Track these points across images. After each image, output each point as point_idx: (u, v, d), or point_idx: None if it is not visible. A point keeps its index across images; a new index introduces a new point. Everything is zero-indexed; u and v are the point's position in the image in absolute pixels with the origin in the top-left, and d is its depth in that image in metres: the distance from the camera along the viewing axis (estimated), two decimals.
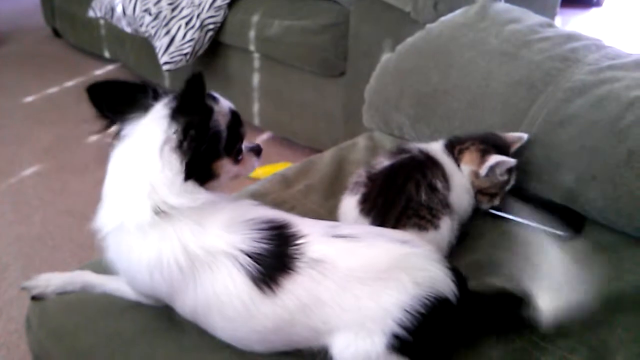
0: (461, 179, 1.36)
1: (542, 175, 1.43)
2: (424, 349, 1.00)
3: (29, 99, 3.55)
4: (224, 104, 1.15)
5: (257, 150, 1.25)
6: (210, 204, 1.04)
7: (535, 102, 1.45)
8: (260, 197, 1.51)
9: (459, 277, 1.05)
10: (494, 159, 1.32)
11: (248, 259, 1.00)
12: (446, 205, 1.29)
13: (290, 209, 1.47)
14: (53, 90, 3.62)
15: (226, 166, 1.11)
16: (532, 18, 1.65)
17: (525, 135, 1.41)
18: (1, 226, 2.50)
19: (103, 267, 1.16)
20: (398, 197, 1.26)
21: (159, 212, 1.00)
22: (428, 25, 1.75)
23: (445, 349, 1.05)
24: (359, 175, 1.35)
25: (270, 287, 0.99)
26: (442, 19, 1.74)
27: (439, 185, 1.29)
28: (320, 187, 1.52)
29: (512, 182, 1.39)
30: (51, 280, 1.26)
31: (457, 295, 1.02)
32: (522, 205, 1.43)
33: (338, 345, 0.99)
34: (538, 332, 1.11)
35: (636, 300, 1.19)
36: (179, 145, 1.01)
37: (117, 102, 1.07)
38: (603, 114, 1.36)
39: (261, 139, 3.12)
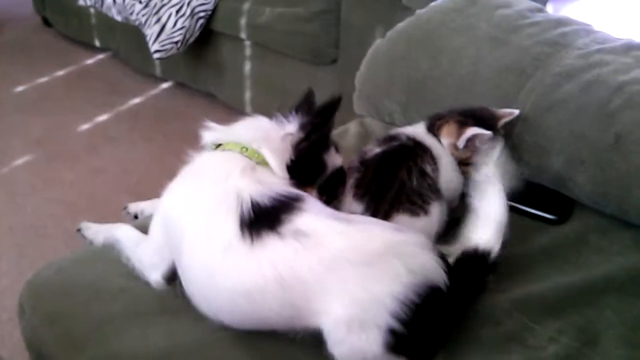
0: (448, 158, 1.36)
1: (531, 160, 1.44)
2: (420, 343, 0.99)
3: (20, 88, 3.53)
4: (338, 158, 1.29)
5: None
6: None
7: (524, 87, 1.45)
8: None
9: (448, 266, 1.05)
10: (471, 131, 1.32)
11: (249, 205, 1.03)
12: (436, 190, 1.29)
13: None
14: (43, 79, 3.59)
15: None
16: (521, 3, 1.65)
17: (516, 111, 1.41)
18: None
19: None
20: (391, 183, 1.27)
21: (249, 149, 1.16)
22: (418, 11, 1.74)
23: (439, 341, 1.04)
24: (352, 161, 1.36)
25: (250, 237, 1.00)
26: (432, 4, 1.74)
27: (428, 168, 1.30)
28: None
29: (498, 150, 1.36)
30: (100, 230, 1.39)
31: (447, 284, 1.01)
32: (510, 188, 1.44)
33: (332, 338, 0.97)
34: (527, 313, 1.13)
35: (624, 282, 1.20)
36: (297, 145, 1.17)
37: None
38: (592, 99, 1.37)
39: None
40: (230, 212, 1.03)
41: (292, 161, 1.16)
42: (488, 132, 1.32)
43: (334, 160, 1.24)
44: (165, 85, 3.52)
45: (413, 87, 1.65)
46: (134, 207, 1.52)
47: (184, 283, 1.11)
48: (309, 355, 1.03)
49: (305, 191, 1.15)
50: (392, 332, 0.94)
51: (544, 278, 1.21)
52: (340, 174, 1.26)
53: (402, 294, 0.95)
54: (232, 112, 3.08)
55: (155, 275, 1.19)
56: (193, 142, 1.25)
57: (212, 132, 1.23)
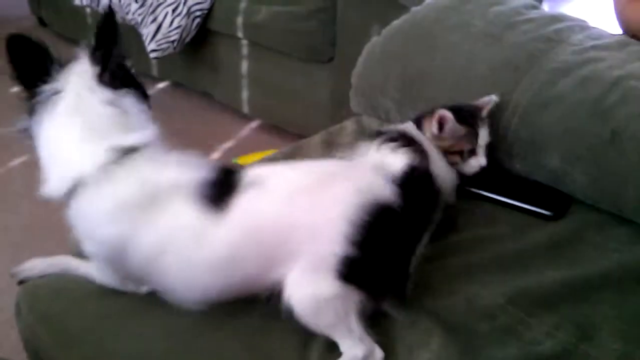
0: (436, 151, 1.38)
1: (527, 157, 1.44)
2: (376, 269, 1.00)
3: (15, 89, 3.49)
4: None
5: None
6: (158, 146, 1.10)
7: (520, 83, 1.45)
8: None
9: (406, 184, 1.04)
10: (438, 113, 1.34)
11: (199, 186, 1.02)
12: None
13: None
14: None
15: None
16: (516, 0, 1.66)
17: (493, 97, 1.41)
18: None
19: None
20: None
21: (116, 155, 1.03)
22: (413, 9, 1.74)
23: (398, 269, 1.03)
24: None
25: (218, 208, 0.99)
26: (427, 1, 1.74)
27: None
28: None
29: (484, 135, 1.38)
30: (36, 265, 1.29)
31: (400, 203, 1.00)
32: (507, 185, 1.44)
33: (290, 278, 0.98)
34: (523, 307, 1.13)
35: (621, 277, 1.20)
36: (101, 74, 1.07)
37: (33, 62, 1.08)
38: (587, 95, 1.36)
39: (250, 127, 3.12)
40: (185, 203, 1.01)
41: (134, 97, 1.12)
42: (449, 115, 1.33)
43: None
44: (161, 84, 3.51)
45: (408, 84, 1.65)
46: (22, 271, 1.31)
47: (154, 278, 1.09)
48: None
49: None
50: (347, 258, 0.95)
51: (539, 273, 1.21)
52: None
53: (355, 214, 0.96)
54: (229, 111, 3.08)
55: (132, 288, 1.17)
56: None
57: (55, 181, 1.09)
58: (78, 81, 1.07)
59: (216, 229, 1.00)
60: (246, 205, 0.99)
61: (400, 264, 1.03)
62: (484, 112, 1.40)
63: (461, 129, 1.35)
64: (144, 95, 1.16)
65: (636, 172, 1.28)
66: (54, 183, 1.07)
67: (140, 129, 1.10)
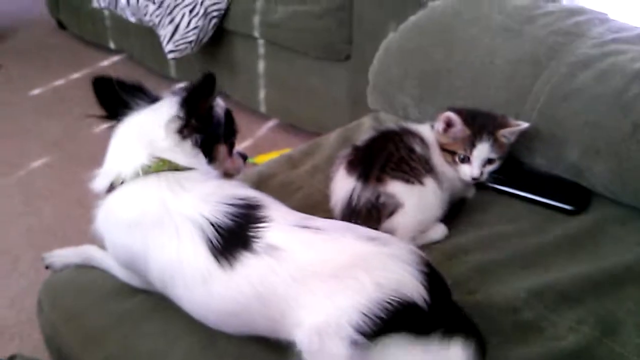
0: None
1: (547, 151, 1.43)
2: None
3: (36, 91, 3.55)
4: (222, 102, 1.27)
5: (244, 156, 1.37)
6: (200, 174, 1.13)
7: (539, 77, 1.44)
8: (267, 178, 1.53)
9: (435, 281, 0.97)
10: (446, 114, 1.35)
11: (212, 229, 1.01)
12: (428, 167, 1.34)
13: (297, 189, 1.48)
14: (59, 82, 3.62)
15: (222, 153, 1.24)
16: None
17: (525, 124, 1.37)
18: (12, 218, 2.52)
19: None
20: (380, 153, 1.33)
21: (152, 165, 1.10)
22: (431, 3, 1.74)
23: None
24: (345, 150, 1.41)
25: (227, 262, 0.98)
26: None
27: (417, 147, 1.36)
28: (326, 167, 1.50)
29: (482, 149, 1.35)
30: (62, 253, 1.35)
31: (427, 300, 0.93)
32: (528, 180, 1.43)
33: (304, 350, 0.94)
34: (545, 303, 1.12)
35: None
36: (181, 130, 1.14)
37: (118, 99, 1.18)
38: (607, 88, 1.35)
39: (267, 126, 3.12)
40: (196, 242, 1.01)
41: (196, 141, 1.15)
42: (457, 118, 1.33)
43: (220, 106, 1.24)
44: (180, 85, 3.53)
45: (426, 79, 1.65)
46: (49, 256, 1.37)
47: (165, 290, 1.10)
48: None
49: (217, 150, 1.21)
50: (357, 345, 0.90)
51: (562, 268, 1.20)
52: (229, 114, 1.26)
53: (366, 307, 0.90)
54: (246, 111, 3.09)
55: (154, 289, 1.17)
56: None
57: (101, 177, 1.17)
58: (156, 117, 1.16)
59: (224, 281, 0.99)
60: (259, 270, 0.97)
61: None
62: (503, 131, 1.36)
63: (463, 132, 1.35)
64: (213, 139, 1.21)
65: None
66: (100, 178, 1.16)
67: (189, 156, 1.14)
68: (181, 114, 1.14)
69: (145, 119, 1.16)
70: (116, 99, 1.17)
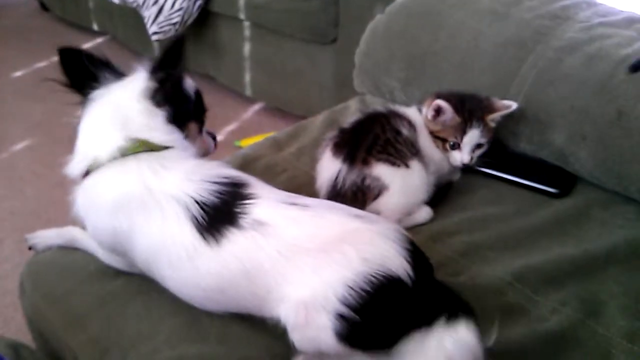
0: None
1: (533, 136, 1.43)
2: (375, 333, 0.94)
3: (18, 73, 3.52)
4: (190, 80, 1.23)
5: (213, 136, 1.32)
6: (178, 153, 1.10)
7: (526, 61, 1.44)
8: (252, 160, 1.52)
9: (419, 259, 0.98)
10: (436, 102, 1.34)
11: (197, 206, 1.00)
12: (414, 149, 1.34)
13: (282, 172, 1.48)
14: (41, 64, 3.57)
15: (193, 130, 1.20)
16: None
17: (514, 105, 1.38)
18: None
19: None
20: (366, 135, 1.33)
21: (129, 146, 1.06)
22: None
23: (395, 332, 0.95)
24: (331, 133, 1.40)
25: (213, 238, 0.98)
26: None
27: (404, 130, 1.35)
28: (312, 150, 1.50)
29: (473, 136, 1.36)
30: (45, 234, 1.33)
31: (412, 277, 0.94)
32: (513, 163, 1.44)
33: (289, 324, 0.95)
34: (529, 285, 1.13)
35: (627, 254, 1.20)
36: (154, 96, 1.11)
37: (86, 71, 1.14)
38: (593, 73, 1.36)
39: (253, 109, 3.10)
40: (181, 221, 1.00)
41: (170, 115, 1.12)
42: (447, 107, 1.33)
43: (189, 83, 1.21)
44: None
45: (413, 62, 1.64)
46: (32, 237, 1.35)
47: (156, 277, 1.09)
48: None
49: (189, 127, 1.17)
50: (342, 318, 0.91)
51: (545, 251, 1.21)
52: (198, 93, 1.24)
53: (352, 281, 0.91)
54: (232, 94, 3.07)
55: (137, 271, 1.16)
56: None
57: (77, 161, 1.12)
58: (127, 91, 1.12)
59: (210, 257, 0.99)
60: (245, 245, 0.97)
61: (400, 329, 0.96)
62: (493, 115, 1.37)
63: (454, 119, 1.35)
64: (185, 115, 1.17)
65: None
66: (74, 163, 1.11)
67: (165, 133, 1.11)
68: (153, 79, 1.12)
69: (117, 95, 1.12)
70: (84, 72, 1.13)
